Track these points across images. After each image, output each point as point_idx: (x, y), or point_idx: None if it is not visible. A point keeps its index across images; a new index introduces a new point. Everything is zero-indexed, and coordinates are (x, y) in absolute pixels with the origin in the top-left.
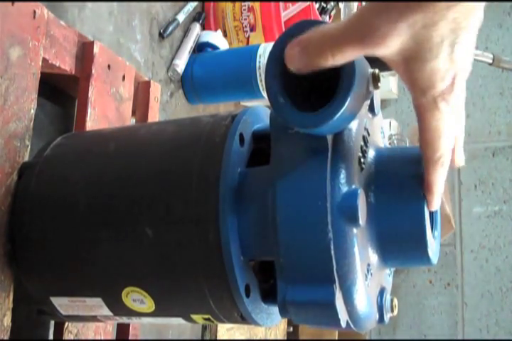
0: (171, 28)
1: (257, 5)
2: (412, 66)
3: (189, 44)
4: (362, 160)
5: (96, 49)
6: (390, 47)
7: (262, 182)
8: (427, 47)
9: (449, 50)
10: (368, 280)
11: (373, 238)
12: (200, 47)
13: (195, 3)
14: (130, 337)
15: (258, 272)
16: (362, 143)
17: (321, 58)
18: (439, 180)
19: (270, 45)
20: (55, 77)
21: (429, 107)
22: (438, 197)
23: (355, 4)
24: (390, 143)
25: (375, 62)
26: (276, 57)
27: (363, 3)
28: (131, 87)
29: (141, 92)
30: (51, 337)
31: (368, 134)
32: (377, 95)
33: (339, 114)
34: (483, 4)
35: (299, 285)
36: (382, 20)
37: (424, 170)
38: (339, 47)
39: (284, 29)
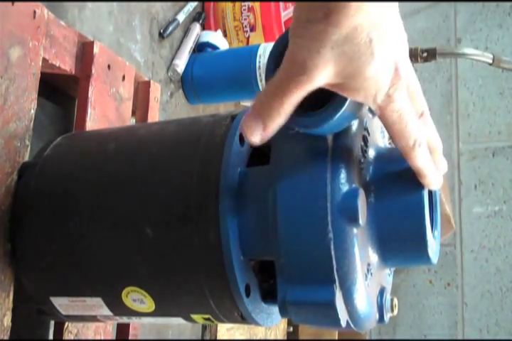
0: (171, 28)
1: (257, 5)
2: (357, 80)
3: (189, 44)
4: (362, 160)
5: (96, 49)
6: (327, 73)
7: (262, 182)
8: (359, 56)
9: (379, 46)
10: (368, 280)
11: (373, 238)
12: (200, 47)
13: (195, 3)
14: (130, 337)
15: (258, 272)
16: (362, 143)
17: (280, 113)
18: (426, 163)
19: (270, 45)
20: (55, 77)
21: (385, 104)
22: (435, 176)
23: None
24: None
25: None
26: (276, 57)
27: None
28: (131, 87)
29: (141, 92)
30: (51, 337)
31: (368, 134)
32: None
33: (339, 114)
34: None
35: (299, 285)
36: (305, 54)
37: (407, 160)
38: (286, 93)
39: (284, 29)
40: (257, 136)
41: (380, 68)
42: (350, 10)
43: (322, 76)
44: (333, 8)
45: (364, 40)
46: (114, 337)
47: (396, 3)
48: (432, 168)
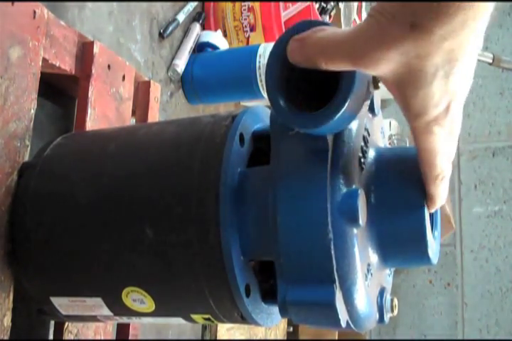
0: (171, 28)
1: (257, 5)
2: (404, 91)
3: (189, 44)
4: (362, 160)
5: (96, 49)
6: (381, 70)
7: (262, 182)
8: (420, 75)
9: (443, 80)
10: (368, 280)
11: (373, 238)
12: (200, 47)
13: (195, 3)
14: (130, 337)
15: (258, 272)
16: (362, 143)
17: (315, 62)
18: (441, 193)
19: (270, 45)
20: (55, 77)
21: (422, 131)
22: (439, 205)
23: (355, 4)
24: (390, 143)
25: None
26: (277, 57)
27: (363, 4)
28: (131, 87)
29: (141, 92)
30: (51, 337)
31: (368, 134)
32: (377, 95)
33: (339, 114)
34: (482, 34)
35: (299, 285)
36: (374, 45)
37: (425, 184)
38: (331, 58)
39: (284, 29)
40: (295, 61)
41: (431, 98)
42: (434, 36)
43: (378, 69)
44: (421, 23)
45: (430, 68)
46: (114, 337)
47: (480, 42)
48: (444, 198)
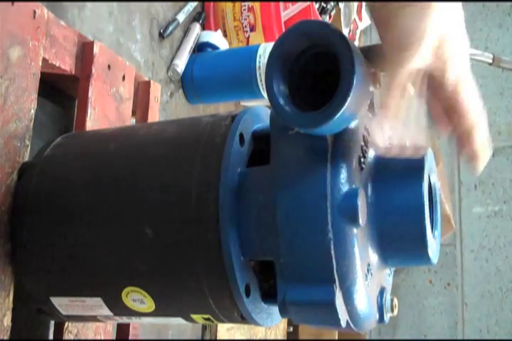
0: (171, 28)
1: (257, 5)
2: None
3: (189, 44)
4: (362, 160)
5: (96, 49)
6: (429, 45)
7: (262, 182)
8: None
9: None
10: (368, 280)
11: (373, 238)
12: (200, 47)
13: (195, 3)
14: (130, 337)
15: (258, 272)
16: (362, 143)
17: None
18: (483, 144)
19: (270, 45)
20: (55, 77)
21: (451, 84)
22: (486, 160)
23: (355, 4)
24: (390, 144)
25: (374, 61)
26: (277, 57)
27: (363, 4)
28: (131, 87)
29: (141, 92)
30: (51, 337)
31: (368, 134)
32: (377, 95)
33: (339, 114)
34: None
35: (299, 285)
36: (412, 25)
37: (466, 143)
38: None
39: (284, 29)
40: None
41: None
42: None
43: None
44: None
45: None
46: (114, 337)
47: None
48: (488, 151)
